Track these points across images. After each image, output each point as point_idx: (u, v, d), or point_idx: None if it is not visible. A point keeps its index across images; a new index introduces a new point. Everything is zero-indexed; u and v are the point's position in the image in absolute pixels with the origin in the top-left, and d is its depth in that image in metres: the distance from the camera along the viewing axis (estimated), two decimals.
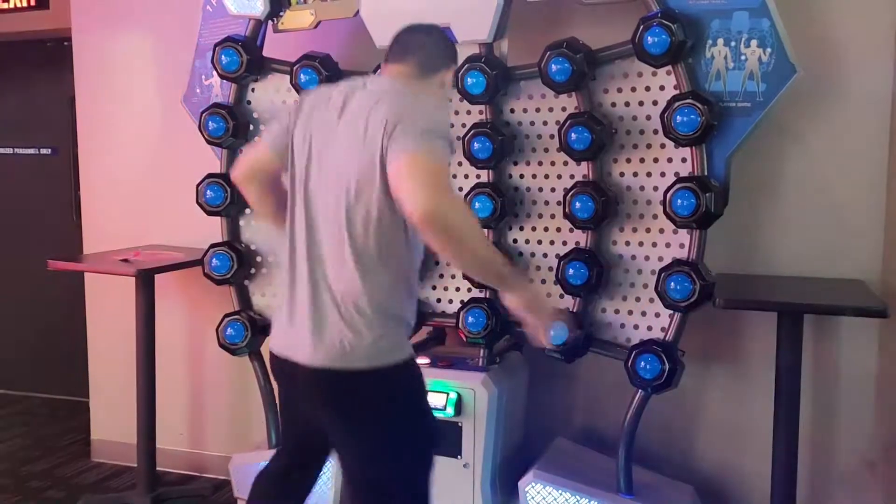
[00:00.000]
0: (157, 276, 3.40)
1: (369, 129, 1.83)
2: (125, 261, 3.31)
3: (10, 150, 4.90)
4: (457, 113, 2.92)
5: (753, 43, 2.52)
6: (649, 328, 2.74)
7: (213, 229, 3.19)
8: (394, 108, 1.83)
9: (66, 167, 4.64)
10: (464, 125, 2.88)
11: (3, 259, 4.96)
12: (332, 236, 1.90)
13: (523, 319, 2.00)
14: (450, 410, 2.72)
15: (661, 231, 2.71)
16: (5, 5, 4.67)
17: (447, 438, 2.75)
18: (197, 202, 3.07)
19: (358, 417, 1.93)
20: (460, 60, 2.71)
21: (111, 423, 3.94)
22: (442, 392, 2.74)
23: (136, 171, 3.78)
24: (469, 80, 2.73)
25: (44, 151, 4.79)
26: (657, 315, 2.72)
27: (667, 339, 2.66)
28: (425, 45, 2.05)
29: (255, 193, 2.10)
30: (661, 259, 2.71)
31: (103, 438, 3.99)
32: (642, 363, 2.60)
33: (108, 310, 3.86)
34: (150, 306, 3.40)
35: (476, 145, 2.78)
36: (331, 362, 1.88)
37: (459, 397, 2.73)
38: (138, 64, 3.75)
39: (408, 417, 1.98)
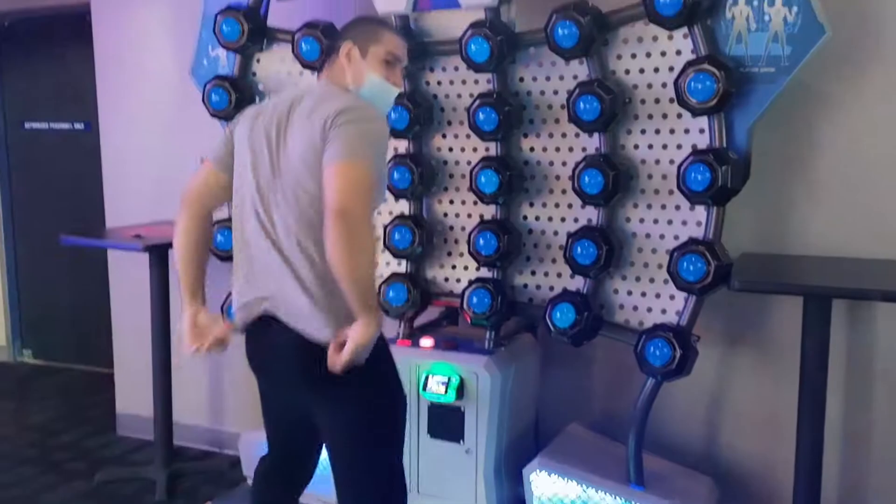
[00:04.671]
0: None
1: (314, 119, 1.88)
2: (137, 236, 3.28)
3: (45, 125, 4.95)
4: (464, 83, 2.79)
5: (778, 2, 2.31)
6: (664, 311, 2.57)
7: None
8: (338, 102, 1.89)
9: (98, 141, 4.65)
10: (471, 95, 2.74)
11: (41, 233, 5.03)
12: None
13: (342, 339, 1.83)
14: (451, 395, 2.61)
15: (678, 208, 2.53)
16: None
17: (449, 423, 2.66)
18: None
19: None
20: (465, 26, 2.60)
21: (135, 397, 3.96)
22: (443, 375, 2.63)
23: (154, 144, 3.75)
24: (472, 46, 2.58)
25: (77, 126, 4.81)
26: (672, 297, 2.55)
27: (681, 323, 2.49)
28: (329, 42, 2.19)
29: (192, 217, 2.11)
30: (676, 238, 2.54)
31: (128, 412, 4.02)
32: (652, 349, 2.44)
33: (128, 285, 3.86)
34: (164, 281, 3.38)
35: (481, 116, 2.64)
36: None
37: (462, 381, 2.62)
38: (154, 36, 3.70)
39: None
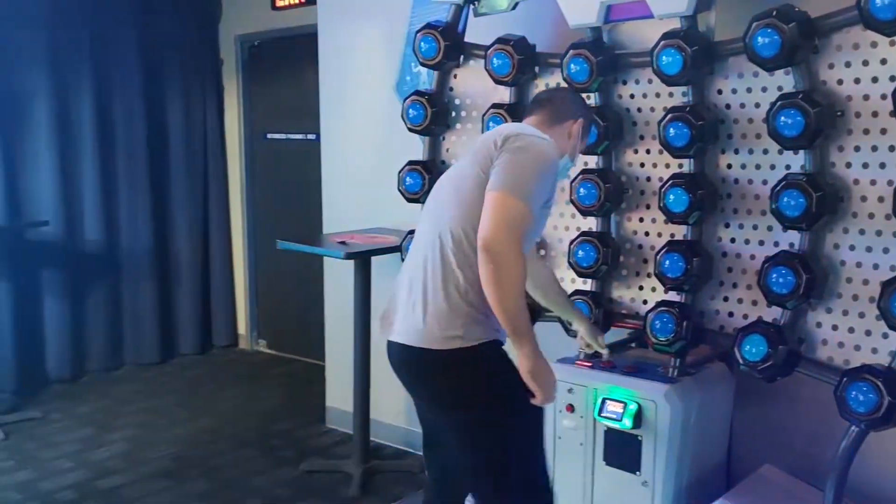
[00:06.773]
0: (381, 258, 3.53)
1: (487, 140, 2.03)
2: (342, 243, 3.48)
3: (283, 136, 5.41)
4: (658, 95, 2.66)
5: None
6: (874, 350, 2.28)
7: None
8: (514, 128, 2.08)
9: None
10: (665, 108, 2.60)
11: (276, 233, 5.41)
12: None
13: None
14: (627, 422, 2.50)
15: None
16: (282, 3, 5.15)
17: (625, 452, 2.55)
18: (398, 189, 3.13)
19: None
20: (658, 35, 2.48)
21: (342, 392, 4.19)
22: (621, 401, 2.52)
23: (367, 156, 3.96)
24: (664, 58, 2.45)
25: (310, 137, 5.20)
26: (885, 336, 2.25)
27: (893, 365, 2.19)
28: (554, 99, 2.30)
29: None
30: (893, 269, 2.24)
31: (336, 407, 4.27)
32: (854, 392, 2.17)
33: (340, 285, 4.10)
34: (366, 285, 3.56)
35: (671, 131, 2.50)
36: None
37: (640, 408, 2.50)
38: (369, 54, 3.89)
39: None
